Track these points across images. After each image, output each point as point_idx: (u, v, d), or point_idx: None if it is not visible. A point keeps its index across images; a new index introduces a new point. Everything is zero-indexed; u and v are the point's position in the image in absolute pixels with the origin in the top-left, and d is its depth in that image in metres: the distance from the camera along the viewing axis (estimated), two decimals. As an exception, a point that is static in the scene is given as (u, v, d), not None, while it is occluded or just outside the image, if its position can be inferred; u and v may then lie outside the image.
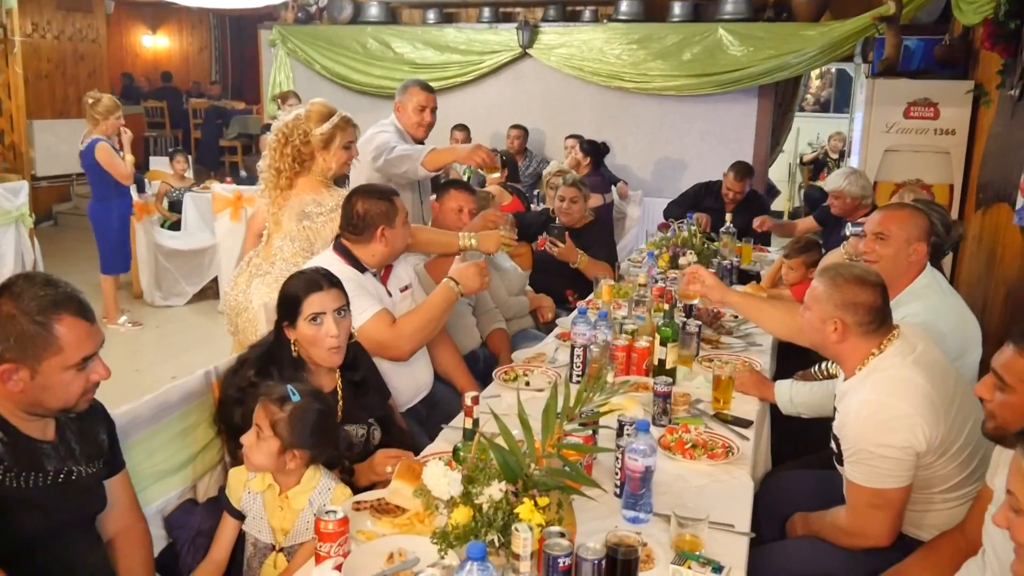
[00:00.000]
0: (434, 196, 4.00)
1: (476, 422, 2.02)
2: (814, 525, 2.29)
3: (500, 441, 1.77)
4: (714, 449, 2.38)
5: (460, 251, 3.27)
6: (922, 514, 2.19)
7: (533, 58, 7.76)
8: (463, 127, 7.39)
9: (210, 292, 7.00)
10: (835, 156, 10.12)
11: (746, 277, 4.51)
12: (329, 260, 2.82)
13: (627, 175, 7.44)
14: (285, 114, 3.29)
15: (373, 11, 8.30)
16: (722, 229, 4.83)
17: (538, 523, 1.60)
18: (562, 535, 1.64)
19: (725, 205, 5.57)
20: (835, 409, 2.26)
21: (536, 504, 1.61)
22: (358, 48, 8.26)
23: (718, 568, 1.79)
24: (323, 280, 2.35)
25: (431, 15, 8.16)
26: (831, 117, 11.89)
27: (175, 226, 7.31)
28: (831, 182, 4.98)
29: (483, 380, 3.21)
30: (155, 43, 14.60)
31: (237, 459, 2.32)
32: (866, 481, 2.08)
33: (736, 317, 3.72)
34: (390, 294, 2.96)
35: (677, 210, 5.54)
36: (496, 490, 1.66)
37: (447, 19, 8.20)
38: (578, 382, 2.89)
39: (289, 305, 2.31)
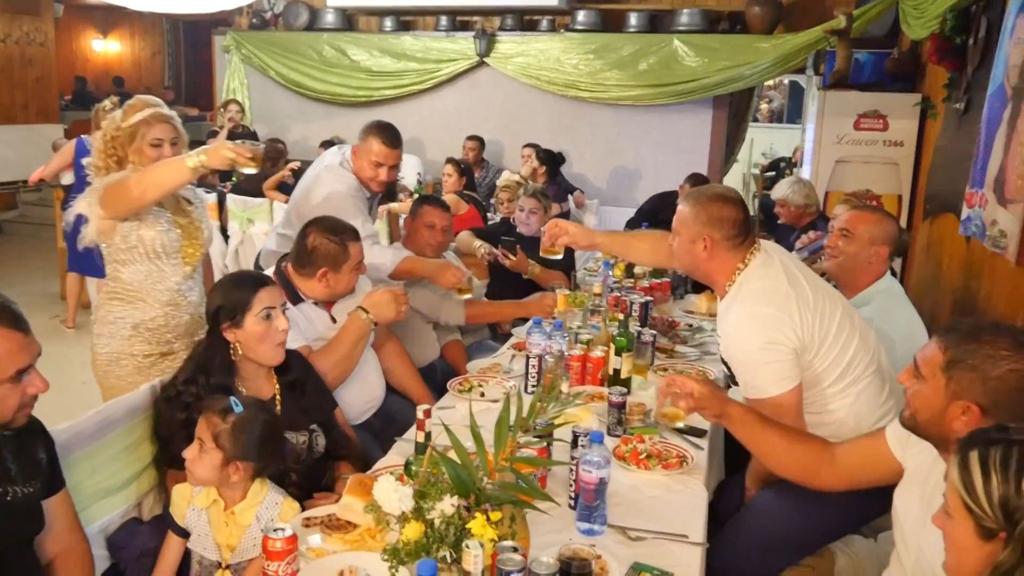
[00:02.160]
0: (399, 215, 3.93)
1: (428, 435, 1.99)
2: (755, 472, 2.45)
3: (452, 455, 1.75)
4: (668, 459, 2.38)
5: (194, 172, 2.68)
6: (821, 414, 2.34)
7: (490, 67, 7.76)
8: (476, 138, 7.41)
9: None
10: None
11: (700, 287, 4.53)
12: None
13: (583, 184, 7.47)
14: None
15: (329, 18, 8.24)
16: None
17: (490, 538, 1.58)
18: (515, 550, 1.62)
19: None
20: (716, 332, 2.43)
21: (488, 519, 1.59)
22: (314, 55, 8.19)
23: (672, 580, 1.79)
24: (266, 277, 2.33)
25: (388, 23, 8.12)
26: (784, 128, 12.07)
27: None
28: (777, 191, 5.12)
29: (440, 392, 3.18)
30: (106, 48, 14.33)
31: (162, 470, 2.30)
32: (761, 392, 2.25)
33: (691, 326, 3.75)
34: (334, 320, 2.87)
35: (636, 222, 5.58)
36: (448, 505, 1.63)
37: (404, 27, 8.17)
38: (533, 392, 2.88)
39: (236, 304, 2.25)
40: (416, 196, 5.82)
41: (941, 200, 4.83)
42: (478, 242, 4.27)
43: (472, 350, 3.87)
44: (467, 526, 1.59)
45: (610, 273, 4.10)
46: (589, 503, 2.00)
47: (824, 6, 7.00)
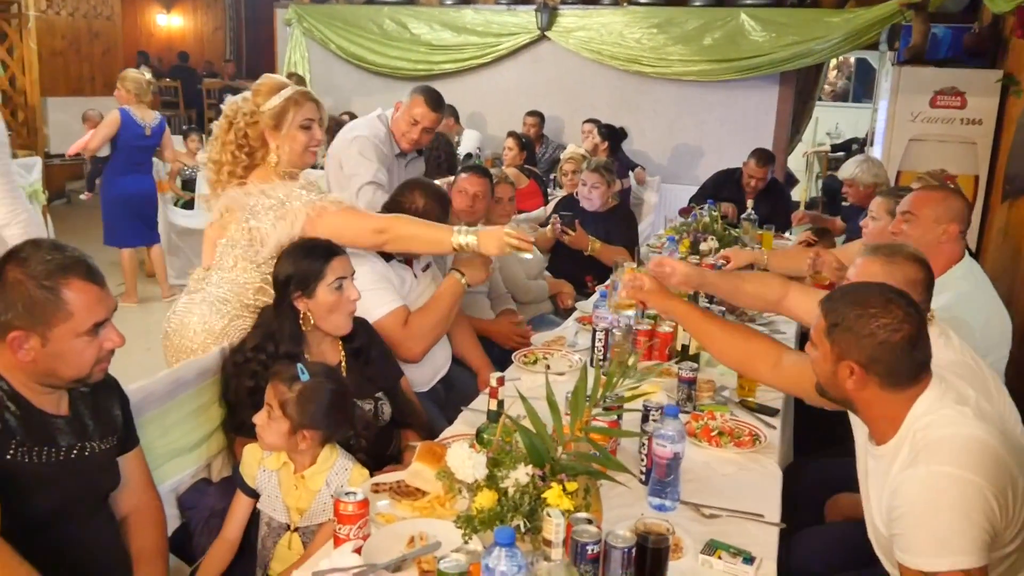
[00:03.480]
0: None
1: (501, 404, 1.96)
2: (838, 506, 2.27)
3: (526, 424, 1.71)
4: (741, 437, 2.32)
5: (453, 251, 2.59)
6: None
7: (551, 41, 7.66)
8: (536, 113, 7.29)
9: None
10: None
11: (766, 266, 4.43)
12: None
13: (644, 161, 7.35)
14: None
15: (391, -9, 8.22)
16: (743, 216, 4.75)
17: (566, 509, 1.54)
18: (589, 522, 1.58)
19: (746, 193, 5.48)
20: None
21: (565, 489, 1.55)
22: (374, 28, 8.18)
23: (749, 559, 1.73)
24: (336, 247, 2.30)
25: (449, -5, 8.07)
26: (851, 107, 11.72)
27: (188, 205, 7.27)
28: (844, 170, 4.94)
29: (497, 362, 3.16)
30: (169, 22, 14.53)
31: (231, 434, 2.30)
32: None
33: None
34: (415, 275, 2.88)
35: (700, 199, 5.47)
36: (522, 474, 1.60)
37: (465, 0, 8.10)
38: (600, 366, 2.85)
39: (308, 273, 2.23)
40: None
41: (1022, 181, 4.64)
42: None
43: (533, 323, 3.83)
44: (542, 496, 1.56)
45: (676, 249, 4.02)
46: (662, 478, 1.95)
47: (899, -21, 6.76)
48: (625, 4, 7.50)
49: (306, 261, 2.25)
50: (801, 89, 7.56)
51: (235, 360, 2.25)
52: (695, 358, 2.84)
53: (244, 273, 2.44)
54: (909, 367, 1.68)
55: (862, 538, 1.95)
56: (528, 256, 2.51)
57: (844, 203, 9.34)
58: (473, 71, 8.02)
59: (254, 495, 2.04)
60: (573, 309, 4.06)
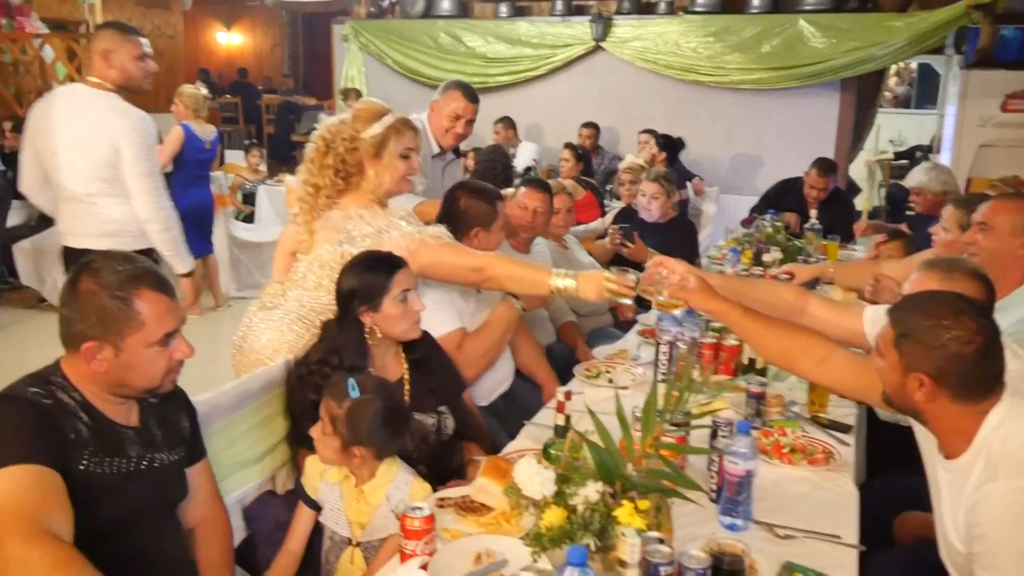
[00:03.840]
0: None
1: (568, 419, 1.92)
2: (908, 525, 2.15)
3: (594, 439, 1.67)
4: (814, 454, 2.24)
5: (551, 294, 2.48)
6: None
7: (606, 52, 7.62)
8: (592, 125, 7.29)
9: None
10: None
11: (833, 276, 4.32)
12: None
13: (702, 171, 7.25)
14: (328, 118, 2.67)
15: (445, 5, 8.27)
16: (807, 226, 4.65)
17: (638, 527, 1.50)
18: (661, 541, 1.54)
19: (808, 204, 5.37)
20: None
21: (637, 507, 1.51)
22: (429, 42, 8.23)
23: (828, 582, 1.67)
24: (399, 259, 2.29)
25: (503, 8, 8.09)
26: (913, 113, 11.42)
27: (248, 219, 7.40)
28: (911, 178, 4.82)
29: (559, 374, 3.13)
30: (229, 40, 14.86)
31: (295, 446, 2.29)
32: None
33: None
34: (478, 290, 2.85)
35: (761, 209, 5.37)
36: (592, 491, 1.56)
37: (519, 12, 8.12)
38: (664, 380, 2.78)
39: (373, 287, 2.21)
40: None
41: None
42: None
43: (593, 336, 3.78)
44: (613, 514, 1.52)
45: (738, 260, 3.95)
46: (733, 496, 1.89)
47: (965, -19, 6.59)
48: (681, 13, 7.43)
49: (370, 275, 2.23)
50: (863, 96, 7.39)
51: (299, 372, 2.26)
52: (763, 372, 2.78)
53: (328, 295, 2.40)
54: (982, 379, 1.63)
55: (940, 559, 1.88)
56: (628, 302, 2.44)
57: (909, 212, 9.14)
58: (527, 83, 8.02)
59: (316, 507, 2.03)
60: (633, 321, 4.01)
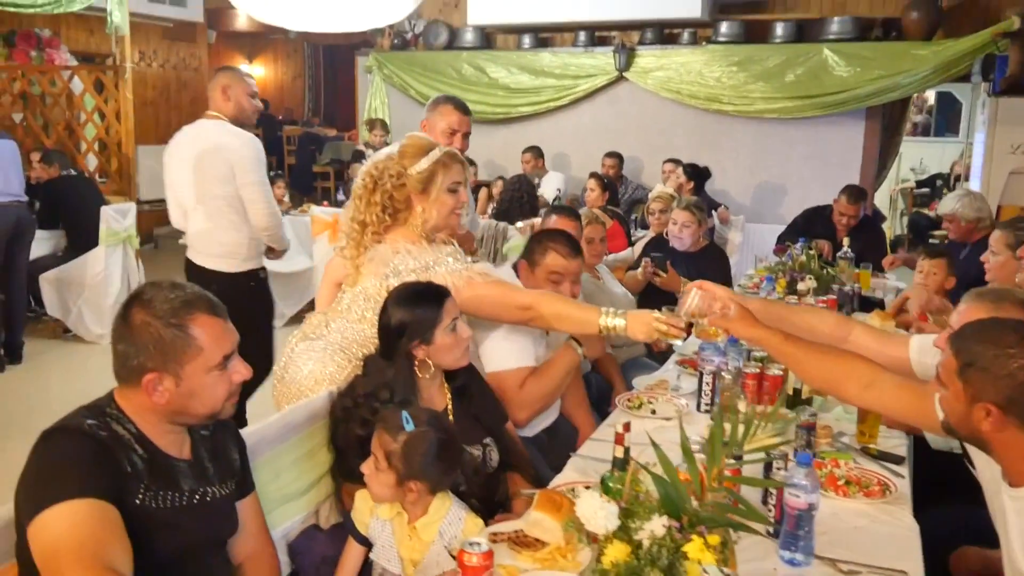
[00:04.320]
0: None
1: (627, 451, 1.88)
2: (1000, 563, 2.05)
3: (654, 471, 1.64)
4: (869, 486, 2.19)
5: (600, 332, 2.43)
6: None
7: (629, 82, 7.66)
8: (615, 155, 7.34)
9: (305, 315, 7.07)
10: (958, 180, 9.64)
11: (868, 304, 4.27)
12: (507, 276, 2.80)
13: (727, 200, 7.24)
14: (375, 154, 2.65)
15: (468, 36, 8.34)
16: (839, 254, 4.61)
17: (709, 563, 1.46)
18: (729, 578, 1.49)
19: (837, 231, 5.33)
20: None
21: (706, 543, 1.47)
22: (453, 73, 8.30)
23: (899, 620, 1.62)
24: (443, 288, 2.28)
25: (526, 40, 8.15)
26: (934, 141, 11.40)
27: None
28: (944, 206, 4.80)
29: (595, 406, 3.09)
30: (251, 72, 15.03)
31: (338, 480, 2.25)
32: None
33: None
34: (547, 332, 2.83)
35: (789, 237, 5.33)
36: (658, 525, 1.52)
37: (542, 43, 8.18)
38: (707, 411, 2.75)
39: (424, 321, 2.19)
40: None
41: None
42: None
43: (627, 367, 3.74)
44: (683, 549, 1.47)
45: (773, 289, 3.92)
46: (793, 530, 1.84)
47: (989, 8, 6.58)
48: (704, 43, 7.47)
49: (420, 308, 2.20)
50: (887, 124, 7.39)
51: (344, 405, 2.22)
52: (808, 402, 2.73)
53: (372, 328, 2.38)
54: None
55: None
56: (679, 343, 2.39)
57: (932, 240, 9.10)
58: (551, 113, 8.06)
59: (366, 543, 1.99)
60: (667, 351, 3.96)
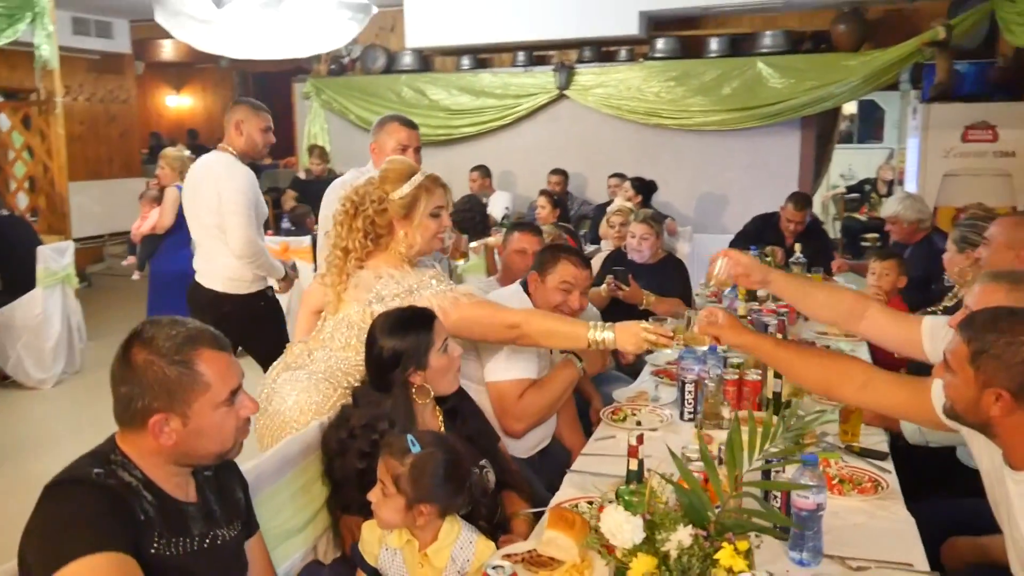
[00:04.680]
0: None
1: (641, 463, 1.89)
2: (993, 550, 2.10)
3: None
4: (862, 483, 2.24)
5: (589, 346, 2.46)
6: None
7: (570, 99, 7.75)
8: (560, 171, 7.40)
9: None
10: (885, 184, 9.96)
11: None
12: (517, 294, 2.84)
13: (671, 212, 7.34)
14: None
15: (407, 59, 8.34)
16: (792, 260, 4.72)
17: (740, 569, 1.47)
18: (757, 583, 1.51)
19: (786, 237, 5.46)
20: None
21: (736, 549, 1.48)
22: (393, 97, 8.28)
23: (918, 612, 1.65)
24: (429, 311, 2.26)
25: (465, 61, 8.18)
26: (860, 148, 11.78)
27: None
28: (887, 208, 4.97)
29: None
30: (179, 103, 14.75)
31: (335, 513, 2.21)
32: None
33: (827, 348, 3.59)
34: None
35: (740, 245, 5.44)
36: (685, 535, 1.53)
37: (481, 64, 8.22)
38: (691, 419, 2.78)
39: (418, 346, 2.17)
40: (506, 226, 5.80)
41: None
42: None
43: (598, 381, 3.75)
44: (715, 556, 1.48)
45: (736, 296, 3.98)
46: (801, 531, 1.87)
47: (911, 20, 6.86)
48: (641, 60, 7.60)
49: (411, 335, 2.17)
50: (820, 133, 7.62)
51: (339, 437, 2.17)
52: (787, 405, 2.78)
53: (357, 355, 2.35)
54: None
55: None
56: (669, 351, 2.43)
57: (864, 244, 9.40)
58: (493, 133, 8.09)
59: (376, 575, 1.95)
60: (634, 363, 4.00)
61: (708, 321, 2.29)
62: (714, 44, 7.32)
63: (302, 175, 8.42)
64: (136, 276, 6.60)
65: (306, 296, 2.69)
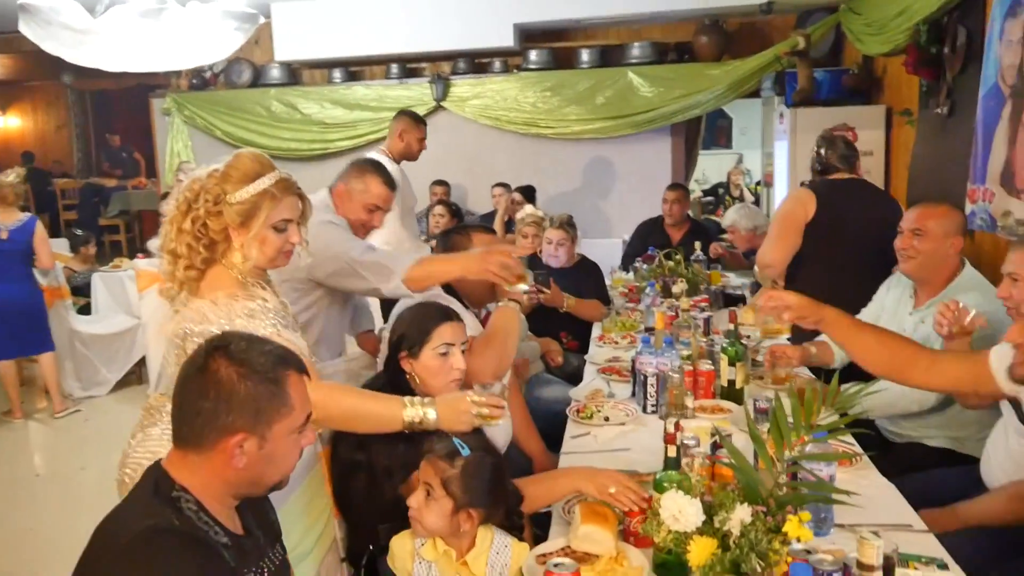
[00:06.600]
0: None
1: (679, 449, 1.92)
2: (973, 515, 2.26)
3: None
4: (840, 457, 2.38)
5: (404, 428, 2.02)
6: None
7: (447, 111, 7.76)
8: (442, 183, 7.36)
9: (133, 378, 6.53)
10: (737, 187, 10.55)
11: (731, 300, 4.63)
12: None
13: (553, 219, 7.51)
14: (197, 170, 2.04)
15: (274, 73, 8.08)
16: (693, 257, 4.94)
17: (807, 538, 1.55)
18: (808, 552, 1.58)
19: (671, 236, 5.70)
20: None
21: (801, 520, 1.55)
22: (262, 111, 8.01)
23: (943, 564, 1.78)
24: (453, 312, 2.24)
25: (336, 74, 8.02)
26: (712, 154, 12.40)
27: (83, 310, 6.79)
28: (726, 219, 5.60)
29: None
30: (6, 123, 13.66)
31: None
32: None
33: (748, 337, 3.76)
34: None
35: (634, 251, 5.65)
36: (745, 513, 1.59)
37: (353, 77, 8.09)
38: (654, 411, 2.87)
39: (417, 334, 2.18)
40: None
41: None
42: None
43: (532, 384, 3.80)
44: (784, 529, 1.55)
45: (657, 294, 4.14)
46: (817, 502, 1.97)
47: (765, 32, 7.36)
48: (515, 71, 7.73)
49: (418, 321, 2.21)
50: (686, 139, 8.00)
51: (355, 459, 2.12)
52: (740, 393, 2.92)
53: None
54: None
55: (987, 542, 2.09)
56: (499, 424, 2.10)
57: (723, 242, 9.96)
58: (369, 146, 7.94)
59: (409, 591, 1.90)
60: (563, 365, 4.07)
61: (773, 306, 2.32)
62: (585, 55, 7.54)
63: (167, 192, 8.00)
64: None
65: (164, 324, 2.10)
